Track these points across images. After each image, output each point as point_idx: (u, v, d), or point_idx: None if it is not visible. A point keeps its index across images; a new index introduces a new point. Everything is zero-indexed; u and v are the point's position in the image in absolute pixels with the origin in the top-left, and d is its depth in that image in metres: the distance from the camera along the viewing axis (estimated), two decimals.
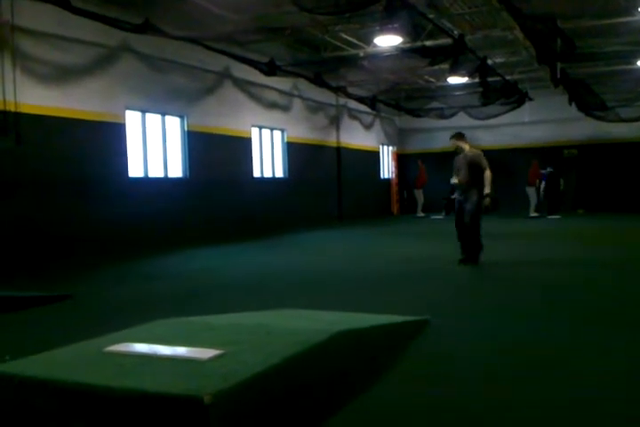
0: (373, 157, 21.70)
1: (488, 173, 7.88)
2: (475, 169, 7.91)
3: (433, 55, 12.49)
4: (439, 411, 2.90)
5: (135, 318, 4.38)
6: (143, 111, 11.53)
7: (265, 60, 12.92)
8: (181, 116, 12.43)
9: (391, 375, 3.32)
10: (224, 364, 2.47)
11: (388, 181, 22.56)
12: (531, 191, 18.28)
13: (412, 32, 11.00)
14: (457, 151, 8.19)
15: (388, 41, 12.65)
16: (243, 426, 2.21)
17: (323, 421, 2.56)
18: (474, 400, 3.05)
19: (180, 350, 2.67)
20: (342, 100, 18.66)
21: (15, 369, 2.46)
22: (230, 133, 13.76)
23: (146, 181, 11.52)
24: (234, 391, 2.16)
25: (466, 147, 8.14)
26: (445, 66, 13.53)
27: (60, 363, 2.56)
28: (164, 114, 12.00)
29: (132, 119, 11.28)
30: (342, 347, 3.06)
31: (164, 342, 2.83)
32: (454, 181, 8.10)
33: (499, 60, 15.26)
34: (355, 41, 14.04)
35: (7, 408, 2.35)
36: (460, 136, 8.21)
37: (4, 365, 2.64)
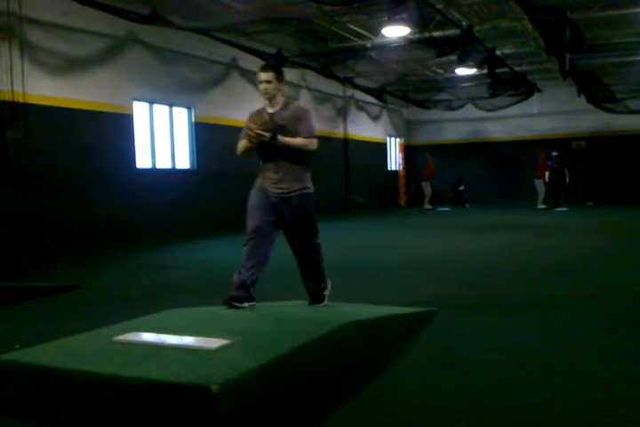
0: (381, 148, 21.64)
1: (315, 142, 4.30)
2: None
3: (441, 46, 12.42)
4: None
5: (144, 308, 4.42)
6: (151, 102, 11.53)
7: (272, 50, 12.90)
8: (189, 108, 12.43)
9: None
10: (232, 354, 2.49)
11: (395, 172, 22.51)
12: (539, 183, 18.20)
13: (420, 23, 10.91)
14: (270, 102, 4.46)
15: (395, 32, 12.60)
16: (250, 415, 2.23)
17: (330, 410, 2.58)
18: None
19: (188, 340, 2.69)
20: (350, 92, 18.60)
21: (27, 358, 2.49)
22: (238, 125, 13.72)
23: (153, 172, 11.54)
24: (241, 381, 2.18)
25: (280, 98, 4.42)
26: (453, 57, 13.44)
27: (70, 352, 2.59)
28: (171, 105, 12.00)
29: (139, 110, 11.28)
30: (350, 337, 3.08)
31: (172, 332, 2.85)
32: (269, 180, 4.50)
33: (507, 51, 15.16)
34: (362, 32, 13.98)
35: (19, 396, 2.38)
36: (281, 72, 4.37)
37: (16, 353, 2.67)
